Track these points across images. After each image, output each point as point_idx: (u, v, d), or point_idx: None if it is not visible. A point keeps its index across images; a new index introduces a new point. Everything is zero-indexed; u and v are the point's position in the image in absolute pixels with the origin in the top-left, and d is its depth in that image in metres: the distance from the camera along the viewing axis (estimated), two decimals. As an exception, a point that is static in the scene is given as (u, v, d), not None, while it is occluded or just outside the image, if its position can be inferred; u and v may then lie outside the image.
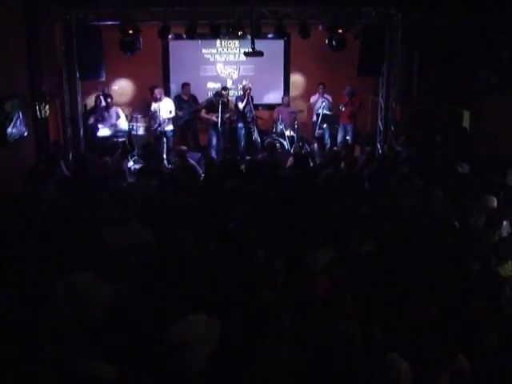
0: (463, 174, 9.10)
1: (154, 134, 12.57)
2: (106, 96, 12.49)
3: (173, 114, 12.45)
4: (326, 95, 13.15)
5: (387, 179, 8.80)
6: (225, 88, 13.01)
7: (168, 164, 12.01)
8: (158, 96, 12.21)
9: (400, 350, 4.26)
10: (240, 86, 13.91)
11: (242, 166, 10.36)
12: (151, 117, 12.38)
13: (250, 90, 12.78)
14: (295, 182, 8.89)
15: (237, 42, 13.66)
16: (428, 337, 4.35)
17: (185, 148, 10.55)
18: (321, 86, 13.13)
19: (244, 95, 12.77)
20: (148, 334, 4.71)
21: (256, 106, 13.14)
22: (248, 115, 12.74)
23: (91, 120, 12.35)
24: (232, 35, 11.87)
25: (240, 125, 12.92)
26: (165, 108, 12.28)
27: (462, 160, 9.51)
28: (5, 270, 5.52)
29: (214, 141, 12.69)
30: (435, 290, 5.20)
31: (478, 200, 7.41)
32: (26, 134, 9.72)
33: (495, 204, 7.33)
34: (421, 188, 8.17)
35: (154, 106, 12.21)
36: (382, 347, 4.41)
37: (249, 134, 12.94)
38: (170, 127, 12.49)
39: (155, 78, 13.48)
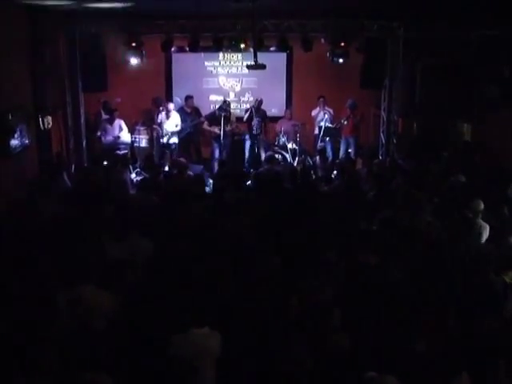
0: (457, 182, 9.11)
1: (157, 145, 12.62)
2: (110, 109, 12.54)
3: (179, 127, 12.57)
4: (326, 108, 13.18)
5: (388, 192, 8.80)
6: (226, 101, 13.07)
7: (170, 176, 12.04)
8: (171, 109, 12.48)
9: (400, 368, 4.23)
10: (243, 99, 14.01)
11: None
12: (158, 127, 12.46)
13: (260, 102, 12.93)
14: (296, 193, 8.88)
15: (239, 54, 13.73)
16: (429, 354, 4.33)
17: (184, 160, 10.65)
18: (321, 100, 13.16)
19: (248, 108, 12.85)
20: (150, 346, 4.70)
21: (265, 119, 13.18)
22: (254, 128, 12.78)
23: (98, 133, 12.44)
24: (234, 48, 11.92)
25: (247, 137, 12.98)
26: (172, 122, 12.38)
27: (460, 172, 9.53)
28: (6, 282, 5.52)
29: (217, 153, 12.73)
30: (437, 304, 5.19)
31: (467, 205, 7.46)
32: (28, 145, 9.74)
33: (482, 207, 7.35)
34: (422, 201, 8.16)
35: (161, 118, 12.34)
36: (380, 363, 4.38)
37: (253, 147, 12.97)
38: (175, 140, 12.59)
39: (158, 90, 13.56)
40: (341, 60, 11.70)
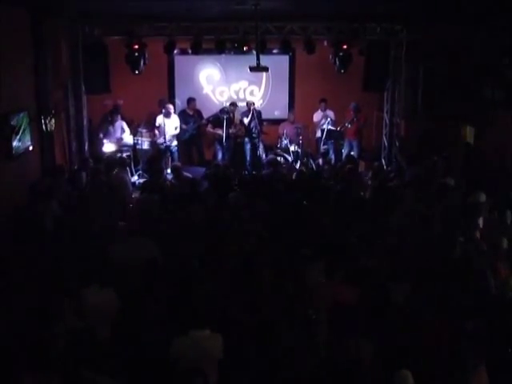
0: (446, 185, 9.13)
1: (159, 148, 12.61)
2: (115, 110, 12.52)
3: (178, 130, 12.56)
4: (328, 111, 13.16)
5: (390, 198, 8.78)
6: (233, 104, 13.07)
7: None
8: (171, 111, 12.38)
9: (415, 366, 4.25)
10: (245, 102, 14.03)
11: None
12: (158, 130, 12.44)
13: (254, 105, 12.89)
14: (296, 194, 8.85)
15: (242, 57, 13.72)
16: (443, 352, 4.34)
17: (179, 164, 10.67)
18: (322, 103, 13.14)
19: (248, 110, 12.83)
20: (151, 349, 4.70)
21: (262, 121, 13.15)
22: (254, 130, 12.78)
23: (100, 135, 12.42)
24: (237, 50, 11.92)
25: (246, 140, 12.96)
26: (171, 124, 12.36)
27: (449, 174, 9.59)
28: (11, 284, 5.52)
29: (220, 155, 12.73)
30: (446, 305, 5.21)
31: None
32: (31, 147, 9.74)
33: (484, 199, 7.58)
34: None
35: (160, 120, 12.30)
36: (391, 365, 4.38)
37: (254, 149, 12.97)
38: (174, 143, 12.60)
39: (161, 92, 13.55)
40: (342, 70, 11.84)
